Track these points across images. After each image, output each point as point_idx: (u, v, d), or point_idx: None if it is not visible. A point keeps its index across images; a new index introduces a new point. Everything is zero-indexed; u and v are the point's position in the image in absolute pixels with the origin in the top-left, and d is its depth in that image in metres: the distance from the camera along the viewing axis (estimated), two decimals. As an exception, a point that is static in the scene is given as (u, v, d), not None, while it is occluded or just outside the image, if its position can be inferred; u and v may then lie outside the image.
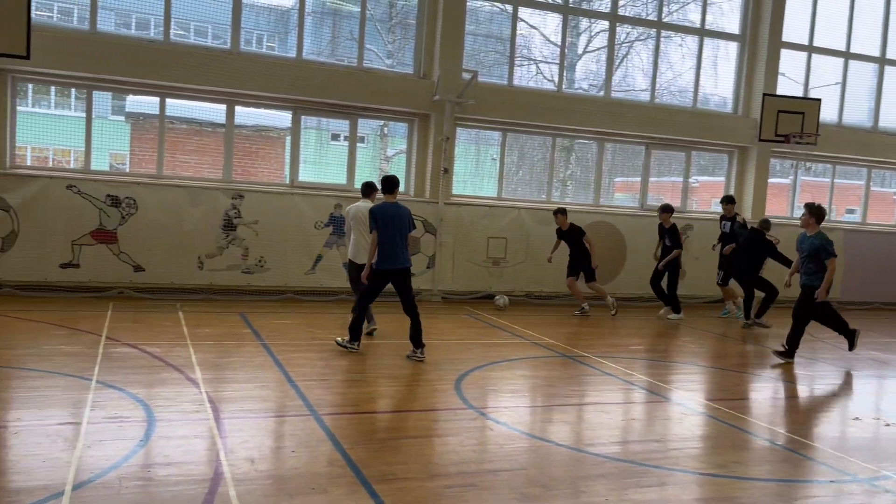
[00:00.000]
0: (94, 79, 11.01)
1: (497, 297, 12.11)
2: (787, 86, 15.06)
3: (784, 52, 14.85)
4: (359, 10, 12.31)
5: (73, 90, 11.97)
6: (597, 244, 12.04)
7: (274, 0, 12.71)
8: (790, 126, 13.91)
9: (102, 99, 11.92)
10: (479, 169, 14.25)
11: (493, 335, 9.84)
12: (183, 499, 4.15)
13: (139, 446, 4.90)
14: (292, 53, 12.07)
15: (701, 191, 16.25)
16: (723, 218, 12.55)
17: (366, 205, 8.58)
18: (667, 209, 12.23)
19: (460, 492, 4.55)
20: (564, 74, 13.85)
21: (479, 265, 12.52)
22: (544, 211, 12.87)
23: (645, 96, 14.40)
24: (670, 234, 12.06)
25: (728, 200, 12.47)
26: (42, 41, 9.94)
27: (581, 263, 11.85)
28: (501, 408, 6.64)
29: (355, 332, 8.01)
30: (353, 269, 8.78)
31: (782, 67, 14.89)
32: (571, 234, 11.85)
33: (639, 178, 14.67)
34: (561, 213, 11.88)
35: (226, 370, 7.21)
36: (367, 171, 13.22)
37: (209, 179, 11.75)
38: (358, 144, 12.80)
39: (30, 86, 11.65)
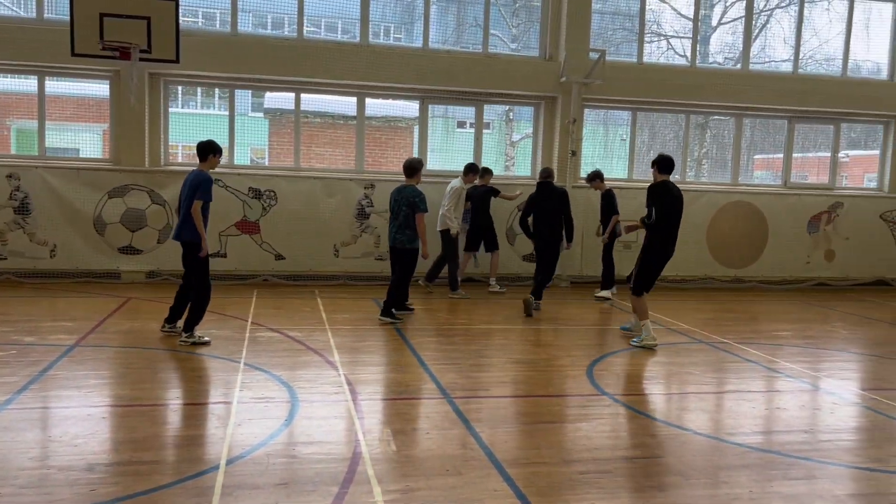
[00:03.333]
0: (235, 78, 11.63)
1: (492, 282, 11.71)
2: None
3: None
4: (483, -5, 12.29)
5: (216, 90, 12.74)
6: (737, 225, 11.28)
7: (400, -9, 12.95)
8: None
9: (243, 97, 12.61)
10: (608, 150, 13.91)
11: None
12: (325, 476, 4.34)
13: (284, 425, 5.17)
14: (419, 43, 12.24)
15: (852, 165, 15.12)
16: None
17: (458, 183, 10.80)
18: (596, 176, 11.31)
19: (596, 478, 4.49)
20: (698, 48, 13.23)
21: (615, 249, 12.13)
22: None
23: (787, 67, 13.52)
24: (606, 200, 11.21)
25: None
26: (189, 45, 10.56)
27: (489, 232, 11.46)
28: (635, 395, 6.49)
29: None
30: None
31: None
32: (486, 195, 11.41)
33: (781, 155, 13.83)
34: (488, 172, 11.41)
35: (362, 354, 7.46)
36: (493, 157, 13.23)
37: (343, 171, 12.16)
38: (484, 131, 12.83)
39: (179, 88, 12.51)
